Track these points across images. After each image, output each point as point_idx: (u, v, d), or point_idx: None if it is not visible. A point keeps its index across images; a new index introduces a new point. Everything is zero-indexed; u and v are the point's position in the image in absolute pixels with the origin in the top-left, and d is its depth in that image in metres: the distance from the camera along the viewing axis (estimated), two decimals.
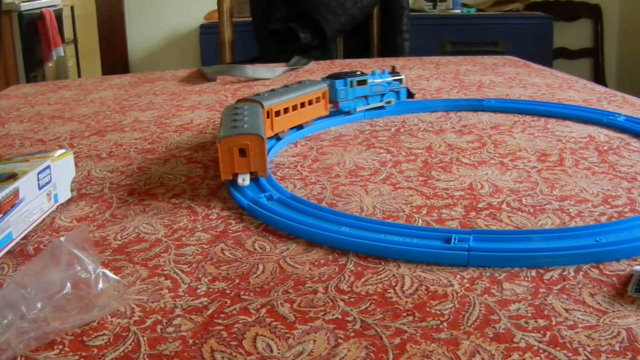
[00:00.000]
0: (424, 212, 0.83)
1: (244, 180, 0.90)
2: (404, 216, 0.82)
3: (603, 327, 0.57)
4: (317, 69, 1.98)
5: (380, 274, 0.67)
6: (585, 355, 0.53)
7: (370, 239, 0.73)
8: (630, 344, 0.54)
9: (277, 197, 0.86)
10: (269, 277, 0.67)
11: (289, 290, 0.64)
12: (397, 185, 0.93)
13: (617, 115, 1.24)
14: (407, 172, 0.98)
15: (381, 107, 1.35)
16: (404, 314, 0.59)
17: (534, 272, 0.67)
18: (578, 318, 0.58)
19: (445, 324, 0.58)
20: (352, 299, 0.62)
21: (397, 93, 1.36)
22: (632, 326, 0.57)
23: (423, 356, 0.53)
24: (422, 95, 1.51)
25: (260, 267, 0.69)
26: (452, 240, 0.71)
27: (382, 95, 1.34)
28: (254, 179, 0.91)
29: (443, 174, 0.97)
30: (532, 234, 0.74)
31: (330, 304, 0.61)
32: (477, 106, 1.37)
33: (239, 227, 0.80)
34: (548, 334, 0.56)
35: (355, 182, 0.95)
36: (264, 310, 0.60)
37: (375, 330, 0.57)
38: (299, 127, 1.22)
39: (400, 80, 1.36)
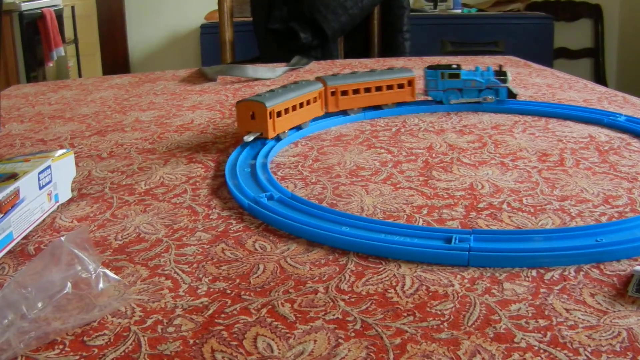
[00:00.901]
0: (425, 212, 0.83)
1: (249, 137, 1.10)
2: (405, 216, 0.82)
3: (604, 327, 0.57)
4: (318, 69, 1.98)
5: (381, 274, 0.67)
6: (585, 355, 0.53)
7: (370, 238, 0.73)
8: (631, 344, 0.54)
9: (278, 197, 0.86)
10: (270, 277, 0.67)
11: (290, 290, 0.64)
12: (398, 185, 0.93)
13: (617, 115, 1.24)
14: (407, 172, 0.98)
15: (477, 103, 1.36)
16: (405, 314, 0.59)
17: (534, 272, 0.67)
18: (579, 318, 0.58)
19: (445, 324, 0.58)
20: (353, 299, 0.62)
21: (497, 91, 1.35)
22: (633, 326, 0.57)
23: (424, 356, 0.53)
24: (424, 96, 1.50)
25: (261, 267, 0.69)
26: (453, 240, 0.71)
27: (480, 91, 1.35)
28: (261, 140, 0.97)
29: (444, 174, 0.97)
30: (532, 234, 0.74)
31: (331, 304, 0.61)
32: (477, 106, 1.37)
33: (239, 227, 0.80)
34: (549, 334, 0.56)
35: (355, 182, 0.95)
36: (264, 310, 0.60)
37: (376, 330, 0.57)
38: (298, 127, 1.23)
39: (502, 79, 1.35)
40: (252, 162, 1.01)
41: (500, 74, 1.35)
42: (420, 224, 0.80)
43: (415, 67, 1.95)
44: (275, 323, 0.58)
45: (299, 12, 2.51)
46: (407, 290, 0.64)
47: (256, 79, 1.84)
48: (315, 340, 0.55)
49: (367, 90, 1.33)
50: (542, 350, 0.53)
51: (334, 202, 0.87)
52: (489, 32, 4.55)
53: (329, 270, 0.68)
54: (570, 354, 0.53)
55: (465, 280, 0.65)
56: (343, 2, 2.49)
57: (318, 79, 1.30)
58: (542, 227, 0.78)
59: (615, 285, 0.64)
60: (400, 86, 1.35)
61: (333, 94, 1.30)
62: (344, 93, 1.31)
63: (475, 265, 0.68)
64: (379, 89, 1.34)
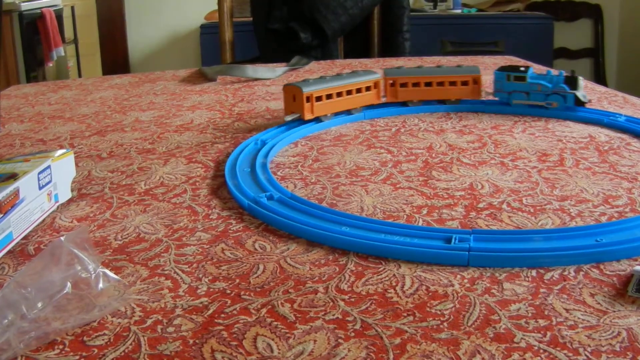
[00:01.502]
0: (425, 212, 0.83)
1: (289, 117, 1.24)
2: (405, 216, 0.82)
3: (603, 327, 0.57)
4: (318, 69, 1.98)
5: (381, 274, 0.67)
6: (585, 355, 0.53)
7: (370, 238, 0.73)
8: (631, 344, 0.54)
9: (278, 196, 0.86)
10: (270, 277, 0.67)
11: (290, 290, 0.64)
12: (398, 185, 0.93)
13: (617, 115, 1.24)
14: (407, 172, 0.98)
15: (542, 107, 1.33)
16: (405, 314, 0.59)
17: (534, 272, 0.67)
18: (578, 318, 0.58)
19: (445, 324, 0.58)
20: (353, 299, 0.62)
21: (564, 97, 1.31)
22: (633, 326, 0.57)
23: (423, 356, 0.53)
24: None
25: (261, 267, 0.69)
26: (453, 240, 0.71)
27: (547, 95, 1.32)
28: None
29: (443, 174, 0.97)
30: (532, 234, 0.74)
31: (331, 304, 0.61)
32: (477, 106, 1.37)
33: (239, 227, 0.80)
34: (548, 334, 0.56)
35: (355, 182, 0.95)
36: (264, 310, 0.60)
37: (376, 330, 0.57)
38: (348, 112, 1.33)
39: (572, 85, 1.30)
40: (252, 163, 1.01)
41: (571, 80, 1.30)
42: (420, 224, 0.80)
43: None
44: (275, 323, 0.58)
45: (299, 12, 2.51)
46: (407, 290, 0.64)
47: (256, 79, 1.84)
48: (315, 340, 0.55)
49: (428, 84, 1.37)
50: (542, 350, 0.53)
51: (334, 202, 0.87)
52: (489, 32, 4.55)
53: (328, 270, 0.68)
54: (570, 354, 0.53)
55: (465, 280, 0.65)
56: (343, 2, 2.49)
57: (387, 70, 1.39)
58: (541, 227, 0.78)
59: (615, 285, 0.64)
60: (465, 83, 1.37)
61: (392, 84, 1.38)
62: (404, 85, 1.37)
63: (475, 265, 0.68)
64: (440, 84, 1.37)
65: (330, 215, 0.79)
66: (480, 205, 0.85)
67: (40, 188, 0.82)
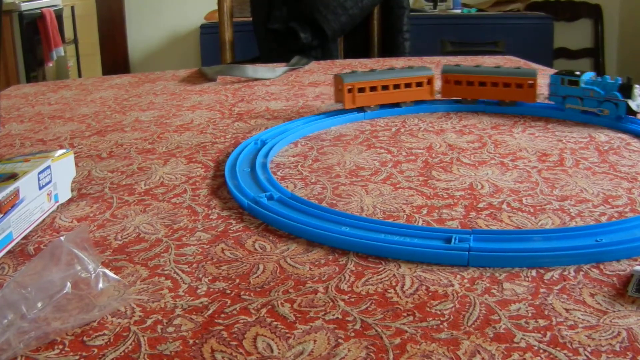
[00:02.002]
0: (425, 212, 0.83)
1: (335, 105, 1.37)
2: (405, 216, 0.82)
3: (603, 327, 0.57)
4: (318, 69, 1.98)
5: (381, 274, 0.67)
6: (585, 355, 0.53)
7: (370, 238, 0.73)
8: (631, 344, 0.54)
9: (278, 196, 0.86)
10: (270, 277, 0.67)
11: (290, 290, 0.64)
12: (398, 185, 0.93)
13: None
14: (407, 172, 0.98)
15: (594, 114, 1.27)
16: (405, 314, 0.59)
17: (534, 272, 0.67)
18: (578, 318, 0.58)
19: (445, 324, 0.58)
20: (353, 299, 0.62)
21: (616, 105, 1.23)
22: (633, 326, 0.57)
23: (423, 356, 0.53)
24: None
25: (261, 267, 0.69)
26: (453, 240, 0.71)
27: (600, 102, 1.25)
28: None
29: (443, 174, 0.97)
30: (532, 234, 0.74)
31: (331, 304, 0.61)
32: (477, 106, 1.37)
33: (239, 227, 0.80)
34: (548, 334, 0.56)
35: (355, 182, 0.95)
36: (264, 310, 0.60)
37: (376, 330, 0.57)
38: (396, 105, 1.38)
39: (626, 93, 1.23)
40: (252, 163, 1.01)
41: (625, 87, 1.23)
42: (420, 224, 0.80)
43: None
44: (275, 323, 0.58)
45: (299, 12, 2.52)
46: (407, 290, 0.64)
47: (256, 79, 1.84)
48: (315, 340, 0.55)
49: (482, 83, 1.37)
50: (541, 350, 0.53)
51: (334, 202, 0.87)
52: (488, 32, 4.55)
53: (328, 270, 0.68)
54: (570, 354, 0.53)
55: (465, 280, 0.65)
56: (343, 2, 2.49)
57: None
58: (541, 227, 0.78)
59: (615, 285, 0.64)
60: (519, 86, 1.35)
61: (447, 81, 1.40)
62: (458, 82, 1.39)
63: (475, 265, 0.68)
64: (494, 84, 1.36)
65: (330, 215, 0.79)
66: (480, 205, 0.85)
67: (40, 188, 0.82)
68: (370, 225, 0.76)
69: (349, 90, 1.32)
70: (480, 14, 4.80)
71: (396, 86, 1.35)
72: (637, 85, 1.23)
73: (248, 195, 0.87)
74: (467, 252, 0.69)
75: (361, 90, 1.33)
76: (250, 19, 2.78)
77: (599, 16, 5.14)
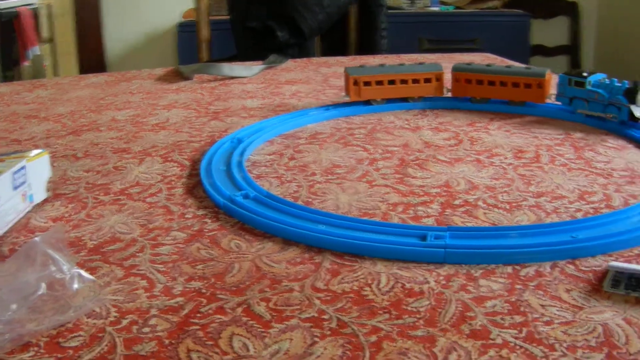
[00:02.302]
0: (400, 209, 0.83)
1: (345, 97, 1.38)
2: (380, 214, 0.82)
3: (579, 322, 0.57)
4: (294, 67, 1.98)
5: (357, 272, 0.67)
6: (561, 351, 0.53)
7: (346, 236, 0.73)
8: (606, 339, 0.54)
9: (254, 195, 0.86)
10: (245, 276, 0.67)
11: (265, 289, 0.64)
12: (374, 183, 0.93)
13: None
14: (383, 169, 0.98)
15: (600, 118, 1.22)
16: (380, 312, 0.59)
17: (510, 269, 0.67)
18: (554, 314, 0.58)
19: (421, 321, 0.58)
20: (329, 297, 0.62)
21: (619, 109, 1.18)
22: (608, 321, 0.57)
23: (399, 354, 0.53)
24: None
25: (237, 266, 0.69)
26: (429, 238, 0.71)
27: (605, 106, 1.20)
28: None
29: (419, 171, 0.97)
30: (508, 230, 0.74)
31: (307, 302, 0.61)
32: (453, 103, 1.38)
33: (215, 226, 0.80)
34: (524, 330, 0.56)
35: (331, 180, 0.95)
36: (240, 310, 0.60)
37: (352, 329, 0.57)
38: (404, 100, 1.40)
39: (631, 97, 1.16)
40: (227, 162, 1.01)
41: (631, 91, 1.16)
42: (395, 222, 0.80)
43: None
44: (251, 322, 0.58)
45: (276, 10, 2.51)
46: (383, 288, 0.64)
47: (232, 78, 1.83)
48: (291, 339, 0.55)
49: (491, 83, 1.36)
50: (517, 347, 0.53)
51: (310, 200, 0.87)
52: (466, 30, 4.56)
53: (304, 269, 0.68)
54: (546, 350, 0.53)
55: (441, 278, 0.65)
56: (321, 0, 2.49)
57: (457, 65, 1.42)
58: (517, 224, 0.79)
59: (591, 280, 0.65)
60: (427, 81, 1.38)
61: (457, 80, 1.39)
62: (468, 81, 1.38)
63: (451, 262, 0.68)
64: (503, 83, 1.35)
65: (306, 213, 0.79)
66: (456, 202, 0.85)
67: (14, 188, 0.81)
68: (345, 223, 0.76)
69: (355, 83, 1.35)
70: (458, 12, 4.81)
71: (403, 81, 1.37)
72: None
73: (224, 194, 0.87)
74: (443, 249, 0.69)
75: (367, 83, 1.36)
76: (228, 17, 2.77)
77: (576, 14, 5.16)
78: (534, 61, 4.86)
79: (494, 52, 2.21)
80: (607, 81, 1.20)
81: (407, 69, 1.38)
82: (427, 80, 1.38)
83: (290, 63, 2.07)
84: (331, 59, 2.14)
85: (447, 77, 1.39)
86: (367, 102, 1.37)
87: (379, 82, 1.36)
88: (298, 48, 2.54)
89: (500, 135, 1.15)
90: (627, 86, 1.16)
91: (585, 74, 1.23)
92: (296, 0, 2.46)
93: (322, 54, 2.72)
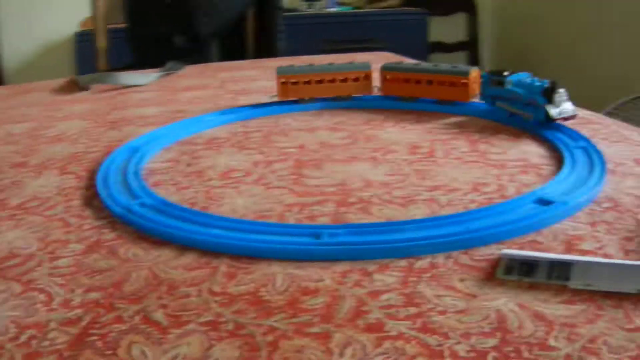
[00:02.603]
0: (296, 210, 0.84)
1: (273, 97, 1.41)
2: (276, 215, 0.83)
3: (473, 310, 0.58)
4: (192, 73, 1.97)
5: (253, 274, 0.67)
6: (455, 339, 0.54)
7: (242, 239, 0.73)
8: (500, 325, 0.56)
9: (150, 203, 0.86)
10: (143, 284, 0.67)
11: (163, 296, 0.64)
12: (269, 185, 0.93)
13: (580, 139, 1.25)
14: (279, 171, 0.99)
15: (520, 116, 1.19)
16: (276, 312, 0.60)
17: (404, 262, 0.68)
18: (448, 303, 0.60)
19: (317, 318, 0.58)
20: (225, 300, 0.62)
21: (537, 109, 1.14)
22: (501, 307, 0.59)
23: (296, 351, 0.54)
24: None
25: (134, 274, 0.69)
26: (323, 236, 0.72)
27: (525, 105, 1.17)
28: None
29: (315, 171, 0.98)
30: (402, 224, 0.76)
31: (204, 306, 0.62)
32: (350, 103, 1.39)
33: (112, 236, 0.79)
34: (419, 321, 0.57)
35: (227, 184, 0.95)
36: (137, 318, 0.60)
37: (249, 330, 0.57)
38: (335, 99, 1.41)
39: (547, 96, 1.12)
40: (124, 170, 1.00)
41: (549, 91, 1.12)
42: (291, 222, 0.81)
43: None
44: (149, 329, 0.58)
45: (173, 16, 2.51)
46: (279, 287, 0.64)
47: (130, 86, 1.82)
48: (188, 344, 0.56)
49: (419, 82, 1.36)
50: (412, 337, 0.55)
51: (206, 205, 0.87)
52: (365, 29, 4.60)
53: (201, 274, 0.68)
54: (441, 339, 0.54)
55: (336, 274, 0.66)
56: (217, 4, 2.49)
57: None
58: (412, 218, 0.80)
59: (484, 269, 0.66)
60: (356, 80, 1.39)
61: (387, 78, 1.40)
62: (396, 79, 1.39)
63: (346, 259, 0.69)
64: (429, 82, 1.35)
65: (202, 218, 0.80)
66: (351, 199, 0.86)
67: None
68: (241, 226, 0.76)
69: (283, 83, 1.38)
70: (356, 12, 4.85)
71: (331, 80, 1.39)
72: (561, 90, 1.13)
73: (120, 204, 0.86)
74: (337, 247, 0.70)
75: (295, 83, 1.38)
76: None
77: (473, 10, 5.23)
78: (434, 58, 4.93)
79: (393, 50, 2.23)
80: (529, 80, 1.18)
81: (336, 68, 1.39)
82: (356, 79, 1.39)
83: (188, 69, 2.06)
84: (229, 64, 2.14)
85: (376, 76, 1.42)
86: (296, 102, 1.40)
87: (307, 82, 1.38)
88: (196, 53, 2.53)
89: (395, 132, 1.16)
90: (545, 85, 1.13)
91: (506, 73, 1.21)
92: (192, 6, 2.46)
93: (221, 58, 2.72)
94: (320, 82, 1.39)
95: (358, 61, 1.43)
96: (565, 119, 1.13)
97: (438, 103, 1.35)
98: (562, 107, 1.12)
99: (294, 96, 1.40)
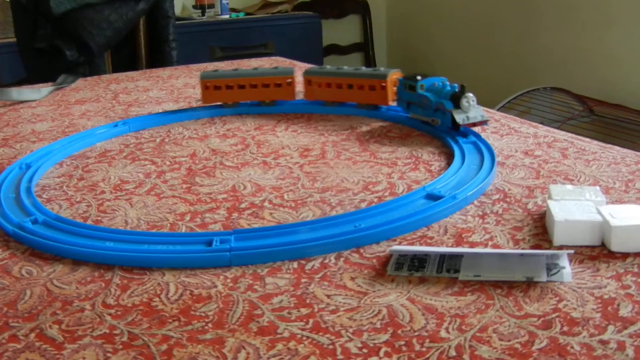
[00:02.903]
0: (188, 218, 0.84)
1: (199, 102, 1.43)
2: (168, 225, 0.83)
3: (364, 307, 0.60)
4: (84, 86, 1.95)
5: (146, 284, 0.68)
6: (347, 336, 0.55)
7: (134, 250, 0.73)
8: (391, 320, 0.57)
9: (42, 219, 0.85)
10: (37, 301, 0.66)
11: (57, 312, 0.64)
12: (162, 195, 0.94)
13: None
14: (171, 181, 0.99)
15: (427, 123, 1.18)
16: (170, 320, 0.60)
17: (295, 264, 0.69)
18: (340, 302, 0.61)
19: (210, 324, 0.59)
20: (119, 312, 0.63)
21: (444, 114, 1.13)
22: (392, 303, 0.60)
23: (190, 359, 0.54)
24: (188, 104, 1.52)
25: (28, 292, 0.69)
26: (214, 243, 0.73)
27: (435, 111, 1.15)
28: None
29: (207, 179, 0.99)
30: (293, 227, 0.77)
31: (98, 319, 0.62)
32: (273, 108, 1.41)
33: (5, 255, 0.79)
34: (311, 321, 0.58)
35: (120, 196, 0.95)
36: (32, 335, 0.60)
37: (143, 340, 0.57)
38: (260, 103, 1.42)
39: (455, 102, 1.10)
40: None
41: (457, 96, 1.11)
42: (183, 231, 0.81)
43: (182, 75, 1.95)
44: (44, 346, 0.58)
45: (63, 29, 2.47)
46: (172, 296, 0.65)
47: (22, 102, 1.80)
48: (84, 358, 0.56)
49: (339, 86, 1.37)
50: (304, 337, 0.56)
51: (99, 219, 0.87)
52: (258, 35, 4.60)
53: (94, 287, 0.68)
54: (333, 337, 0.55)
55: (228, 280, 0.67)
56: (107, 16, 2.47)
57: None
58: (302, 220, 0.81)
59: (375, 266, 0.68)
60: (279, 85, 1.40)
61: (309, 83, 1.42)
62: (319, 85, 1.40)
63: (238, 264, 0.70)
64: (350, 86, 1.35)
65: (95, 232, 0.79)
66: (242, 205, 0.87)
67: None
68: (133, 238, 0.77)
69: (206, 87, 1.40)
70: (249, 18, 4.83)
71: (253, 85, 1.39)
72: (469, 95, 1.10)
73: (12, 221, 0.85)
74: (228, 252, 0.71)
75: (217, 87, 1.40)
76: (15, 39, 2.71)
77: (366, 12, 5.27)
78: (329, 60, 4.95)
79: (288, 54, 2.24)
80: (440, 85, 1.16)
81: (259, 73, 1.40)
82: (278, 85, 1.39)
83: (80, 82, 2.04)
84: (121, 75, 2.12)
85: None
86: (220, 106, 1.42)
87: (230, 87, 1.39)
88: (88, 66, 2.50)
89: (287, 136, 1.17)
90: (455, 90, 1.11)
91: (418, 77, 1.18)
92: (82, 18, 2.43)
93: (113, 70, 2.69)
94: (242, 87, 1.39)
95: (247, 67, 1.44)
96: (474, 124, 1.10)
97: (360, 107, 1.35)
98: (470, 112, 1.10)
99: (216, 101, 1.41)
